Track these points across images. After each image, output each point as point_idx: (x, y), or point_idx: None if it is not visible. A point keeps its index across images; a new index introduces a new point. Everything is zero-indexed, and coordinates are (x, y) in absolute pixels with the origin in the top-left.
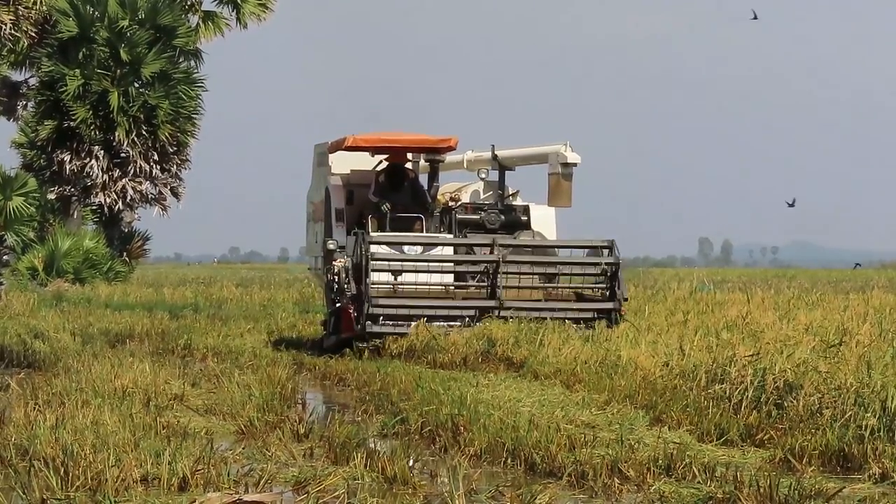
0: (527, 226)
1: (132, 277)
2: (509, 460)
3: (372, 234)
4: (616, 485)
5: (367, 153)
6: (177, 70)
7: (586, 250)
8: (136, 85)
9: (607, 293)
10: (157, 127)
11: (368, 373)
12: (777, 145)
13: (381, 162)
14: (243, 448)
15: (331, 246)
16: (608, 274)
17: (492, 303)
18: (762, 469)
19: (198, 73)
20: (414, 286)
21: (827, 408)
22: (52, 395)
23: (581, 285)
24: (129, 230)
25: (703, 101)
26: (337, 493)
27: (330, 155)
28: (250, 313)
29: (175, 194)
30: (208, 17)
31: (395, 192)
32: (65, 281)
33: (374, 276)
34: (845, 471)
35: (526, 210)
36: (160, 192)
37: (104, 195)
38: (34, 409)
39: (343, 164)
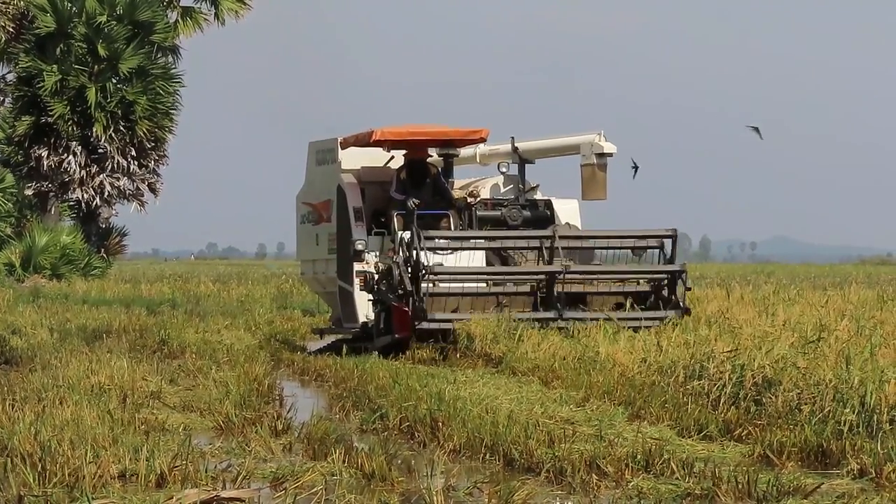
0: (551, 220)
1: (109, 273)
2: (488, 456)
3: (422, 232)
4: (594, 481)
5: (377, 149)
6: (155, 66)
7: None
8: (114, 81)
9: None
10: (134, 123)
11: (346, 369)
12: (756, 141)
13: (392, 158)
14: (221, 444)
15: (359, 246)
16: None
17: (550, 314)
18: (741, 465)
19: (176, 69)
20: (460, 293)
21: (805, 403)
22: (30, 391)
23: (632, 289)
24: (106, 226)
25: (682, 95)
26: (315, 489)
27: (341, 151)
28: (228, 309)
29: (152, 190)
30: (186, 13)
31: (418, 189)
32: (42, 277)
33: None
34: (824, 466)
35: (549, 205)
36: (137, 188)
37: (82, 191)
38: (11, 405)
39: (353, 160)
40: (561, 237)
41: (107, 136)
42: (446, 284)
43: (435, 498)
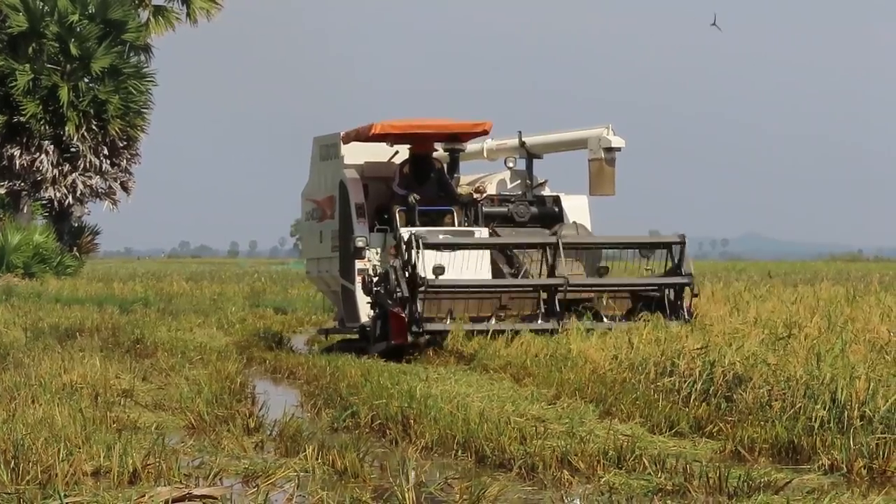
0: (560, 217)
1: (82, 272)
2: (459, 453)
3: (415, 230)
4: (566, 477)
5: (381, 143)
6: (127, 65)
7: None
8: (86, 80)
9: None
10: (107, 122)
11: (318, 367)
12: (728, 138)
13: (396, 153)
14: (193, 442)
15: (360, 243)
16: (673, 260)
17: (548, 325)
18: (712, 461)
19: (148, 67)
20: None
21: (776, 400)
22: (2, 389)
23: (637, 287)
24: (79, 225)
25: (654, 94)
26: (287, 486)
27: (343, 146)
28: (200, 307)
29: (125, 189)
30: (158, 12)
31: (421, 185)
32: (14, 275)
33: (427, 273)
34: (795, 462)
35: (557, 201)
36: (110, 187)
37: (54, 190)
38: None
39: (356, 156)
40: (565, 245)
41: (79, 135)
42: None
43: (407, 494)
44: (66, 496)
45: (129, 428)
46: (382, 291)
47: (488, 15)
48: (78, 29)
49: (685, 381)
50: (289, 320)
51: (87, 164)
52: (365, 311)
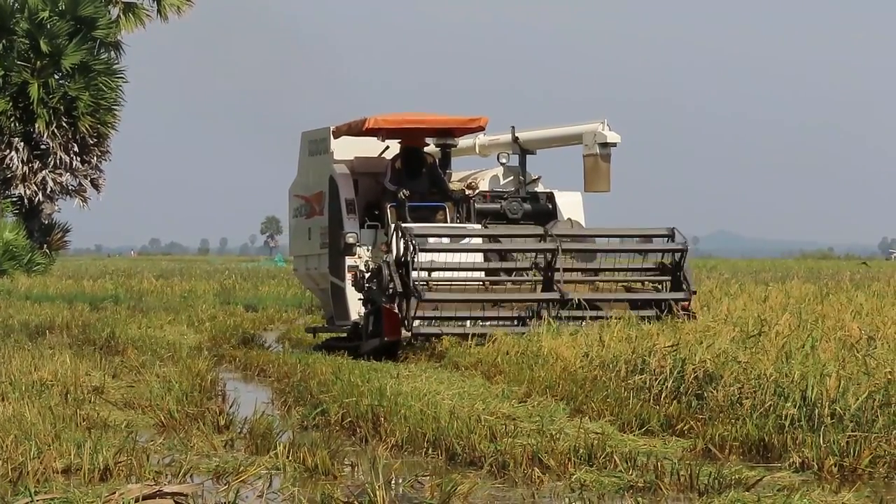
0: (553, 214)
1: (52, 269)
2: (430, 450)
3: (407, 225)
4: (537, 474)
5: (372, 138)
6: (97, 62)
7: (636, 240)
8: (57, 76)
9: (670, 286)
10: (77, 118)
11: (289, 364)
12: (697, 136)
13: (387, 148)
14: (164, 440)
15: (350, 240)
16: (673, 263)
17: (552, 295)
18: (683, 459)
19: (118, 64)
20: (450, 283)
21: (747, 398)
22: None
23: (630, 279)
24: (49, 222)
25: (623, 89)
26: (257, 484)
27: (333, 141)
28: (171, 305)
29: (95, 186)
30: (129, 8)
31: (413, 180)
32: None
33: (421, 273)
34: (766, 460)
35: (550, 197)
36: (80, 184)
37: (24, 187)
38: None
39: (346, 150)
40: (564, 250)
41: (49, 132)
42: (439, 274)
43: (378, 492)
44: (36, 493)
45: (100, 426)
46: (375, 287)
47: (485, 11)
48: (48, 26)
49: (656, 379)
50: (259, 318)
51: (58, 162)
52: (356, 309)
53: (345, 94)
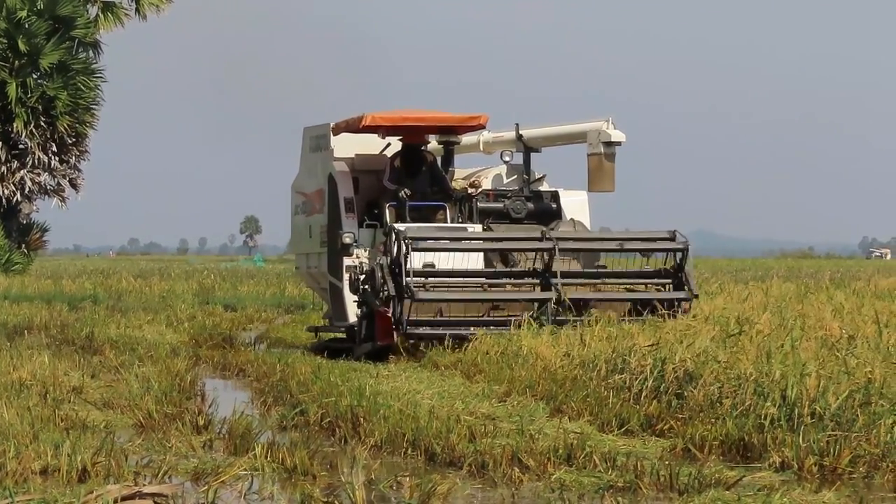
0: (557, 214)
1: (31, 269)
2: (409, 451)
3: (403, 225)
4: (516, 474)
5: (373, 135)
6: (76, 61)
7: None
8: (35, 76)
9: (672, 287)
10: (55, 118)
11: (268, 364)
12: (676, 134)
13: (388, 145)
14: (143, 440)
15: (347, 240)
16: (675, 265)
17: (550, 294)
18: (663, 458)
19: (97, 64)
20: (447, 286)
21: (727, 397)
22: None
23: (632, 281)
24: (27, 222)
25: (596, 86)
26: (236, 484)
27: (333, 138)
28: (150, 305)
29: (74, 186)
30: (107, 7)
31: (413, 178)
32: None
33: (416, 275)
34: (746, 460)
35: (555, 196)
36: (59, 184)
37: (2, 186)
38: None
39: (346, 148)
40: (561, 250)
41: (27, 132)
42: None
43: (357, 492)
44: (15, 493)
45: (78, 426)
46: (369, 290)
47: (485, 11)
48: (26, 25)
49: (636, 379)
50: (238, 317)
51: (36, 161)
52: (353, 310)
53: (325, 93)
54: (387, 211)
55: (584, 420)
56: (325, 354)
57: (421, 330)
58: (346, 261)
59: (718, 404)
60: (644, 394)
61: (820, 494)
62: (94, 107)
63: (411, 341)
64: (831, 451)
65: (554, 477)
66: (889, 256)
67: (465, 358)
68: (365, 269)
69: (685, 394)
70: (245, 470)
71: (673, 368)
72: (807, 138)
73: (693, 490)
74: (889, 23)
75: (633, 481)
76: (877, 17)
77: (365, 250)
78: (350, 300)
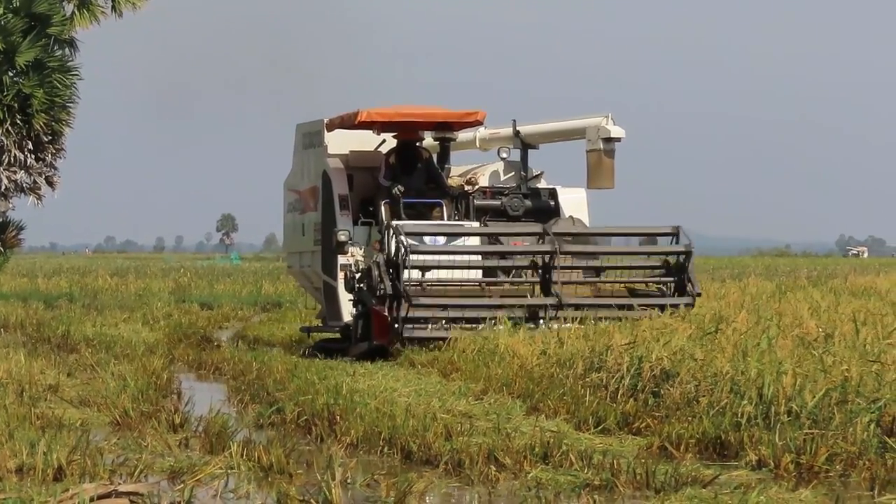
0: (556, 211)
1: (6, 267)
2: (385, 449)
3: (400, 223)
4: (493, 472)
5: (368, 132)
6: (52, 59)
7: (639, 240)
8: (10, 74)
9: (673, 287)
10: (31, 116)
11: (244, 362)
12: (656, 131)
13: (384, 142)
14: (119, 439)
15: (342, 237)
16: (677, 264)
17: (549, 300)
18: (639, 457)
19: (73, 61)
20: (444, 284)
21: (703, 395)
22: None
23: (633, 279)
24: (3, 220)
25: (581, 85)
26: (212, 483)
27: (327, 134)
28: (126, 303)
29: (50, 184)
30: (83, 4)
31: (408, 176)
32: None
33: (414, 273)
34: (722, 458)
35: (553, 194)
36: (35, 182)
37: None
38: None
39: (340, 144)
40: (563, 252)
41: (3, 130)
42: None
43: (333, 490)
44: None
45: (54, 424)
46: (365, 289)
47: (484, 10)
48: (2, 23)
49: (613, 377)
50: (215, 316)
51: (12, 159)
52: (348, 310)
53: (310, 90)
54: (382, 208)
55: (560, 418)
56: (322, 356)
57: (419, 333)
58: (341, 259)
59: (695, 402)
60: (621, 392)
61: (797, 493)
62: (70, 105)
63: (410, 342)
64: (808, 449)
65: (530, 475)
66: (866, 255)
67: (442, 356)
68: (361, 267)
69: (662, 392)
70: (221, 468)
71: (650, 367)
72: (782, 137)
73: (669, 488)
74: (857, 21)
75: (609, 479)
76: (845, 15)
77: (360, 248)
78: (345, 299)
